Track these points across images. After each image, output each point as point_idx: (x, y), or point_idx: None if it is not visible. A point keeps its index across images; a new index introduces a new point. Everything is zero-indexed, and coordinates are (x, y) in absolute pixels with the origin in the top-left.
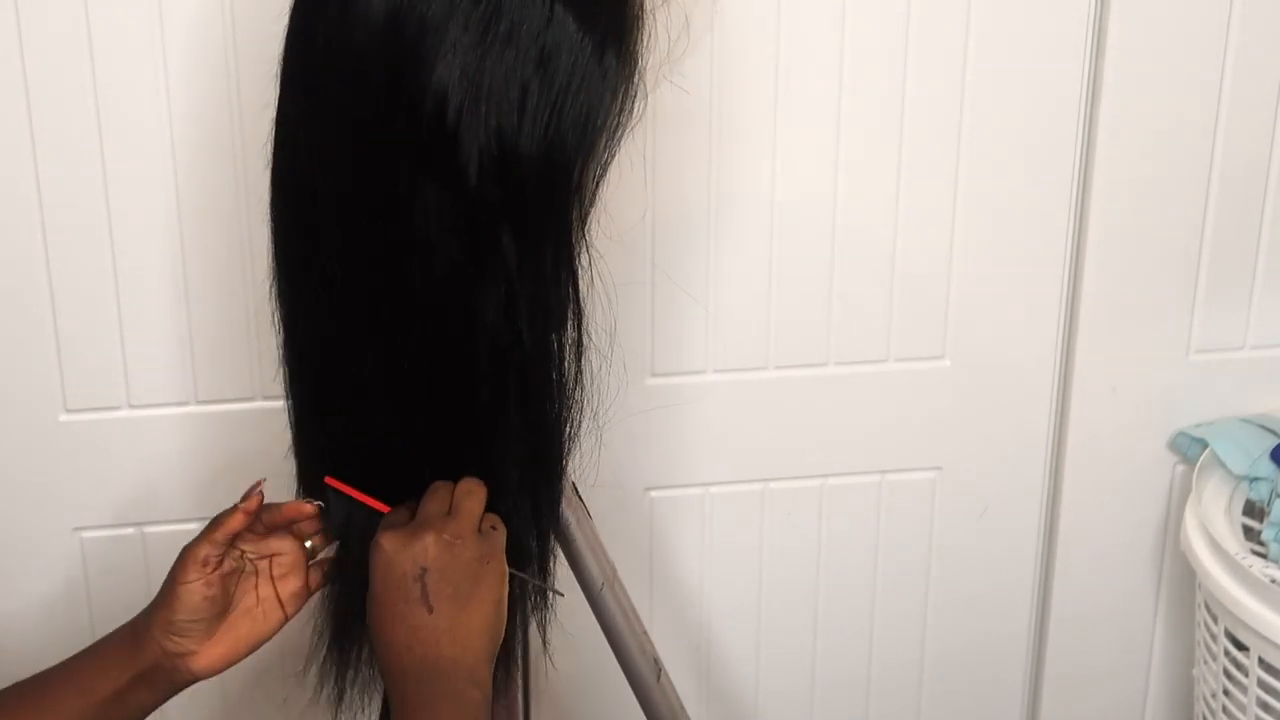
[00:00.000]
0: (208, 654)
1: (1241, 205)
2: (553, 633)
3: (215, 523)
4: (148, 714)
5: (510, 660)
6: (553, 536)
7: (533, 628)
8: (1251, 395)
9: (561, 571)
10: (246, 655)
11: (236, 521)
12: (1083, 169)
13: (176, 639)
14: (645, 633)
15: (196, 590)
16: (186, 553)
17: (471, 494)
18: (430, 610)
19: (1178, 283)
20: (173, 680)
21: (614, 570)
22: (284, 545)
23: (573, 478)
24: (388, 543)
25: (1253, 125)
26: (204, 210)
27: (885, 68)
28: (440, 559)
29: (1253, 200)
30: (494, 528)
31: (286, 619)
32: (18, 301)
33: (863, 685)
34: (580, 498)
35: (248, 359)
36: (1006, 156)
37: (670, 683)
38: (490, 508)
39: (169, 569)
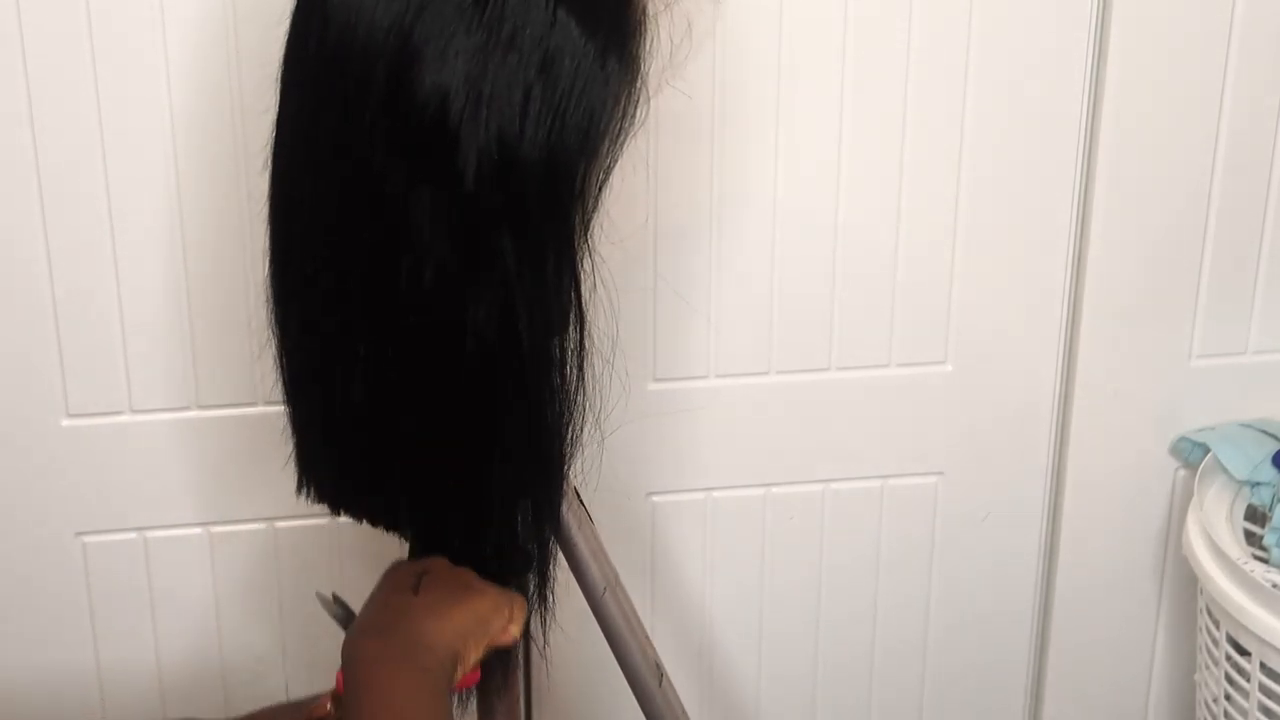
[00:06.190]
0: None
1: (1243, 210)
2: (555, 637)
3: None
4: None
5: (510, 662)
6: (554, 541)
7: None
8: (1253, 400)
9: (563, 576)
10: None
11: None
12: (1085, 173)
13: None
14: (647, 637)
15: None
16: None
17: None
18: (415, 593)
19: (1179, 287)
20: None
21: (616, 575)
22: None
23: (575, 482)
24: (399, 562)
25: (1254, 131)
26: (205, 214)
27: (887, 72)
28: (441, 566)
29: (1255, 205)
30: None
31: None
32: (20, 306)
33: (865, 689)
34: (582, 502)
35: (249, 363)
36: (1008, 160)
37: (672, 687)
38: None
39: None
